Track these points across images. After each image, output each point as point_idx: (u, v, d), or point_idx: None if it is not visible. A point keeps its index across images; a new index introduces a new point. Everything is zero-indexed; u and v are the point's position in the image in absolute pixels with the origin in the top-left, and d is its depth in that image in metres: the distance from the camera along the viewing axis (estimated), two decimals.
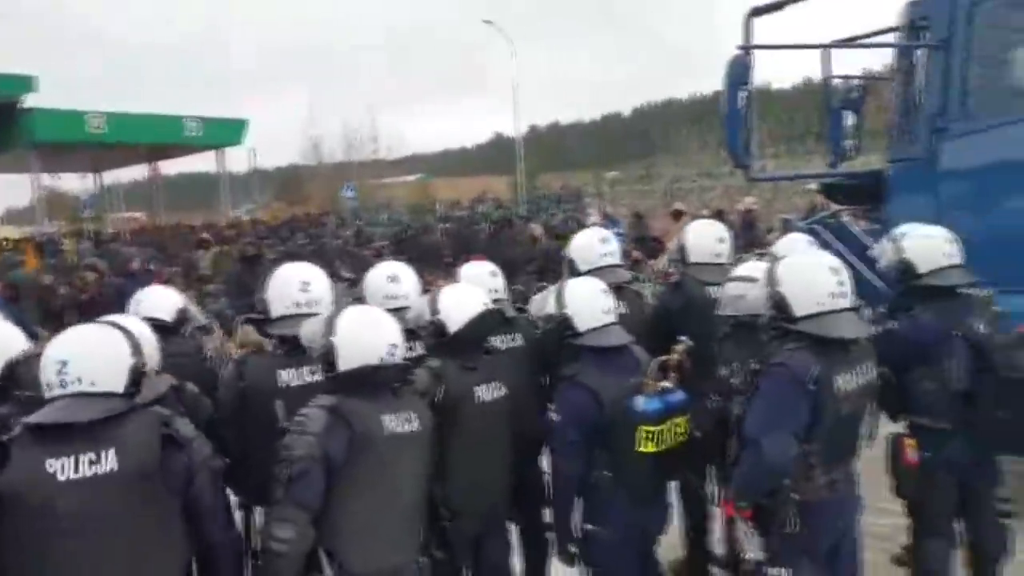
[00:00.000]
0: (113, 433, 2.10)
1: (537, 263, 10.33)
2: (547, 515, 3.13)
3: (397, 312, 2.86)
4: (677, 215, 11.62)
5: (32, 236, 19.49)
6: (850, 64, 6.29)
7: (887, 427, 3.28)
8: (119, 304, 4.36)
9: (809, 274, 2.64)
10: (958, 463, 3.13)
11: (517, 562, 3.29)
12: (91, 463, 2.05)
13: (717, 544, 3.96)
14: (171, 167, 31.14)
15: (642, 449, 2.71)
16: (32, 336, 3.08)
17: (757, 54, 4.79)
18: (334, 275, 3.27)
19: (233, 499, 2.71)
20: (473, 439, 2.80)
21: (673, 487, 3.21)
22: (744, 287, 3.09)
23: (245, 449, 2.71)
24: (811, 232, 5.08)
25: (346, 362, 2.39)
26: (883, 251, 3.45)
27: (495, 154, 56.32)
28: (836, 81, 5.52)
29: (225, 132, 24.05)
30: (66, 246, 16.11)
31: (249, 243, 10.80)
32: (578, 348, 2.91)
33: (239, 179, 35.55)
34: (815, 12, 5.74)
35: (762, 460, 2.47)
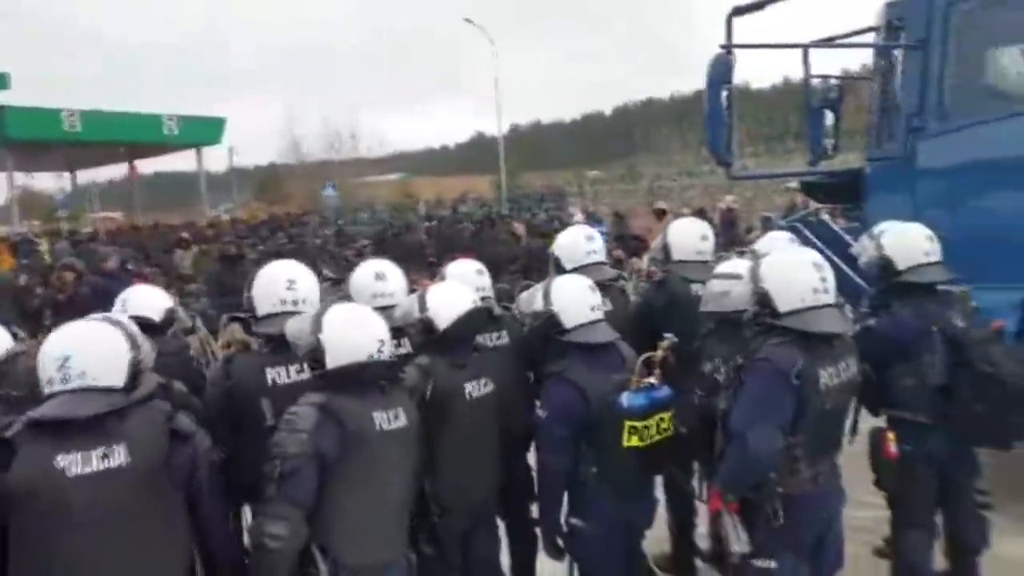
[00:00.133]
0: (121, 428, 2.10)
1: (521, 262, 10.36)
2: (534, 510, 3.15)
3: (385, 310, 2.86)
4: (660, 214, 11.70)
5: (7, 236, 19.19)
6: (829, 64, 6.34)
7: (868, 421, 3.34)
8: (96, 304, 4.33)
9: (792, 271, 2.68)
10: (937, 456, 3.19)
11: (505, 557, 3.31)
12: (101, 458, 2.05)
13: (702, 538, 4.01)
14: (148, 166, 30.81)
15: (628, 444, 2.74)
16: (12, 336, 3.06)
17: (737, 53, 4.84)
18: (316, 274, 3.28)
19: None
20: (462, 435, 2.82)
21: (658, 482, 3.24)
22: (728, 284, 3.13)
23: (233, 447, 2.70)
24: (792, 230, 5.14)
25: (334, 359, 2.39)
26: (863, 248, 3.51)
27: (476, 153, 56.34)
28: (815, 81, 5.58)
29: (203, 131, 23.88)
30: (41, 246, 15.88)
31: (230, 243, 10.72)
32: (565, 345, 2.94)
33: (218, 178, 35.28)
34: (795, 12, 5.80)
35: (748, 453, 2.51)
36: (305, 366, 2.60)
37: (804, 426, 2.56)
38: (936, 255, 3.32)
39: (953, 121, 4.63)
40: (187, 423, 2.27)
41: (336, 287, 4.66)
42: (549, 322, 2.96)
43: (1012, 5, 4.63)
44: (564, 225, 9.00)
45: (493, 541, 3.13)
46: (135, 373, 2.19)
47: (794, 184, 8.59)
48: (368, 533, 2.40)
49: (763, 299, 2.66)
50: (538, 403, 2.95)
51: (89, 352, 2.14)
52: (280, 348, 2.73)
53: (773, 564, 2.59)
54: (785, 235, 4.47)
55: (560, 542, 2.97)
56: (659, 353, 2.90)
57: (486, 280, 3.51)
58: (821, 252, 3.29)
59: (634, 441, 2.75)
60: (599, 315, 3.02)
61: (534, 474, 3.08)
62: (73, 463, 2.01)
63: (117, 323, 2.30)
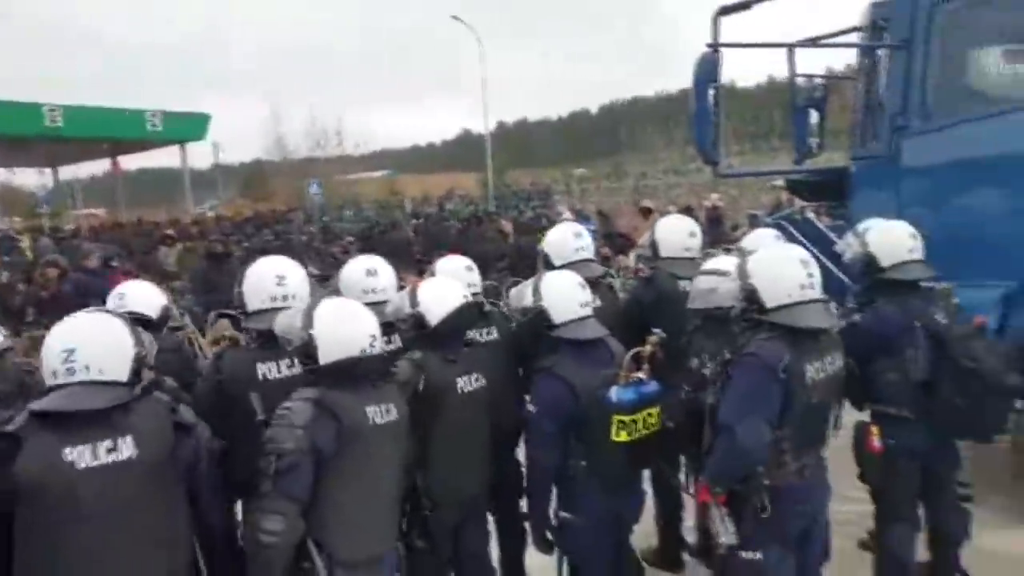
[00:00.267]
0: (127, 421, 2.10)
1: (509, 259, 10.38)
2: (523, 505, 3.17)
3: (375, 306, 2.87)
4: (646, 212, 11.74)
5: None
6: (814, 63, 6.39)
7: (852, 416, 3.39)
8: (78, 301, 4.30)
9: (779, 267, 2.71)
10: (919, 449, 3.24)
11: (494, 551, 3.32)
12: (109, 451, 2.05)
13: (689, 532, 4.05)
14: (131, 162, 30.48)
15: (616, 438, 2.77)
16: None
17: (724, 52, 4.87)
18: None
19: None
20: (454, 429, 2.84)
21: (646, 476, 3.27)
22: (716, 280, 3.16)
23: (225, 443, 2.70)
24: (778, 227, 5.18)
25: (327, 355, 2.39)
26: (848, 245, 3.56)
27: (463, 150, 56.27)
28: (800, 80, 5.63)
29: (187, 127, 23.69)
30: (22, 243, 15.72)
31: (217, 241, 10.67)
32: (555, 340, 2.96)
33: (202, 175, 35.03)
34: (780, 12, 5.85)
35: (737, 446, 2.54)
36: (296, 361, 2.60)
37: (791, 419, 2.59)
38: (919, 252, 3.37)
39: (936, 120, 4.68)
40: (189, 415, 2.27)
41: (322, 284, 4.65)
42: (538, 317, 2.98)
43: (994, 6, 4.69)
44: (551, 223, 9.02)
45: (483, 535, 3.15)
46: (138, 368, 2.19)
47: (779, 182, 8.65)
48: (362, 527, 2.41)
49: (751, 295, 2.69)
50: (528, 398, 2.97)
51: (95, 346, 2.13)
52: (270, 343, 2.73)
53: (759, 556, 2.62)
54: (771, 232, 4.51)
55: (549, 536, 2.99)
56: (647, 348, 2.93)
57: (476, 276, 3.53)
58: (806, 249, 3.33)
59: (622, 436, 2.77)
60: (588, 311, 3.03)
61: (523, 469, 3.10)
62: (81, 456, 2.01)
63: (123, 318, 2.30)
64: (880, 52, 5.14)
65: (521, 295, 3.09)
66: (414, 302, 2.92)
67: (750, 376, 2.57)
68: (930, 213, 4.42)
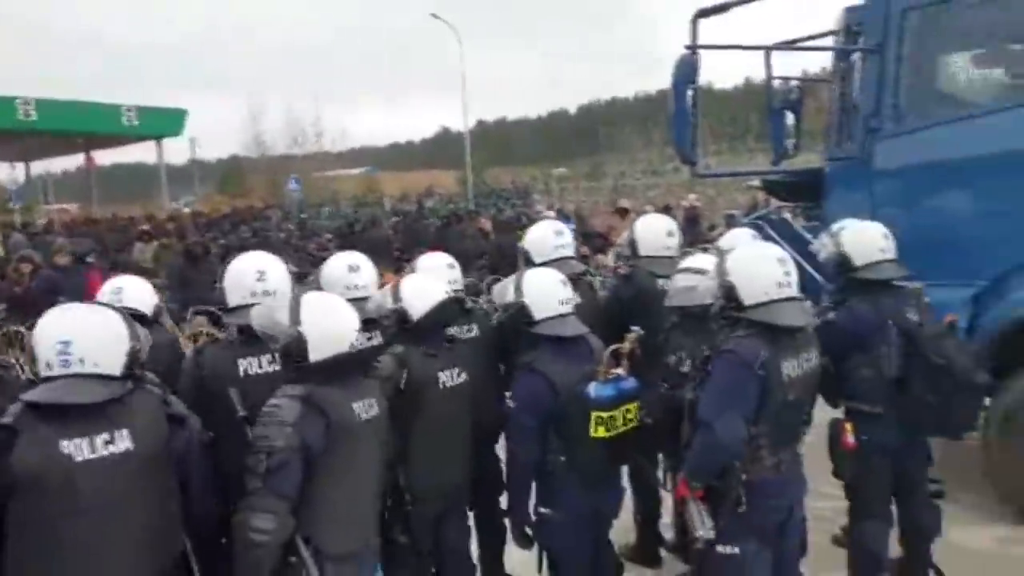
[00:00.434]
0: (122, 414, 2.09)
1: (488, 257, 10.39)
2: (503, 501, 3.19)
3: (357, 302, 2.87)
4: (622, 212, 11.82)
5: None
6: (790, 66, 6.46)
7: (825, 413, 3.44)
8: (43, 299, 4.24)
9: (757, 265, 2.75)
10: (892, 446, 3.31)
11: (474, 547, 3.34)
12: (106, 443, 2.04)
13: (667, 528, 4.09)
14: (105, 157, 30.06)
15: (595, 434, 2.79)
16: None
17: (702, 54, 4.92)
18: None
19: None
20: (436, 424, 2.85)
21: (625, 472, 3.30)
22: (694, 279, 3.21)
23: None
24: (754, 227, 5.25)
25: (318, 351, 2.35)
26: (823, 245, 3.62)
27: (442, 148, 56.14)
28: (777, 82, 5.69)
29: (163, 122, 23.41)
30: None
31: (197, 242, 10.58)
32: (535, 336, 2.97)
33: (178, 170, 34.62)
34: (757, 16, 5.92)
35: (715, 441, 2.57)
36: (276, 356, 2.58)
37: (767, 416, 2.63)
38: (892, 252, 3.44)
39: (908, 123, 4.77)
40: (181, 406, 2.27)
41: (299, 281, 4.64)
42: (519, 313, 3.00)
43: (964, 12, 4.79)
44: (531, 221, 9.06)
45: (463, 531, 3.16)
46: (132, 363, 2.17)
47: (756, 183, 8.73)
48: (348, 522, 2.41)
49: (729, 292, 2.73)
50: (508, 394, 2.99)
51: (91, 338, 2.11)
52: (252, 339, 2.71)
53: (736, 550, 2.65)
54: (748, 232, 4.57)
55: (529, 531, 3.01)
56: (626, 345, 2.96)
57: (457, 274, 3.54)
58: (782, 248, 3.38)
59: (601, 431, 2.80)
60: (569, 308, 3.05)
61: (503, 465, 3.12)
62: (79, 448, 2.00)
63: (120, 311, 2.28)
64: (854, 56, 5.21)
65: (504, 291, 3.11)
66: (397, 297, 2.92)
67: (728, 372, 2.61)
68: (903, 214, 4.50)
